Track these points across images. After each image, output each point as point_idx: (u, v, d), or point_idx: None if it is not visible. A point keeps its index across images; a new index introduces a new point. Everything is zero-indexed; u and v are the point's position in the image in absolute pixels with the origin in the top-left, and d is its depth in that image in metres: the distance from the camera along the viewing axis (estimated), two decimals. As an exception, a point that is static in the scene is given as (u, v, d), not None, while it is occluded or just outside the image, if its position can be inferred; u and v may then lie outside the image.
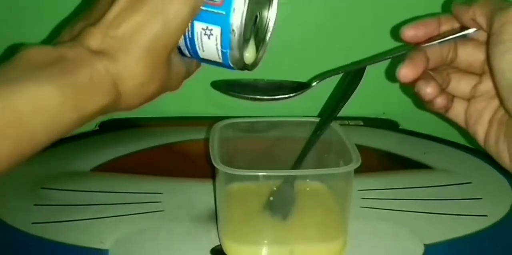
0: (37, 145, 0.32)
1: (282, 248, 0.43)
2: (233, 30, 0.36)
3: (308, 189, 0.48)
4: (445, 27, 0.41)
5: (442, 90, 0.41)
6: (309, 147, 0.47)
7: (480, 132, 0.42)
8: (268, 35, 0.43)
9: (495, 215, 0.47)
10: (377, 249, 0.43)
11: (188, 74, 0.42)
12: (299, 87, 0.45)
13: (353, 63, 0.46)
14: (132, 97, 0.36)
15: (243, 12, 0.36)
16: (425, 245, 0.43)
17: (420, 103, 0.67)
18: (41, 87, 0.30)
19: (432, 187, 0.52)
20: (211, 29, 0.37)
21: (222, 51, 0.38)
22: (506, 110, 0.37)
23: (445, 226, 0.46)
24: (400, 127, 0.68)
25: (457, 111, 0.43)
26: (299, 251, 0.42)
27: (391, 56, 0.42)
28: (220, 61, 0.39)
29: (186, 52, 0.39)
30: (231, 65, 0.40)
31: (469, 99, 0.42)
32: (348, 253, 0.43)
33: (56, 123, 0.32)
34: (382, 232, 0.45)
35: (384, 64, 0.66)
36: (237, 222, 0.44)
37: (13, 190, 0.51)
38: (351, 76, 0.51)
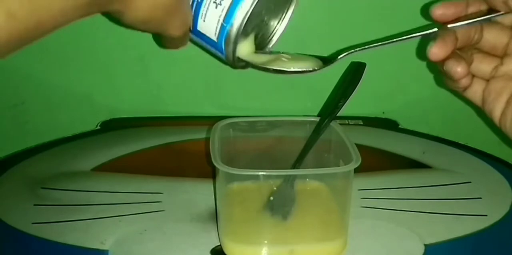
0: (51, 18, 0.30)
1: (282, 248, 0.43)
2: (241, 7, 0.36)
3: (308, 188, 0.48)
4: (472, 8, 0.42)
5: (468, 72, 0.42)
6: (309, 146, 0.47)
7: (496, 110, 0.43)
8: (270, 45, 0.43)
9: (495, 215, 0.47)
10: (377, 249, 0.43)
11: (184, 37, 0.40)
12: (324, 61, 0.44)
13: (379, 39, 0.44)
14: (142, 3, 0.35)
15: None
16: (425, 245, 0.43)
17: (423, 104, 0.68)
18: None
19: (432, 187, 0.52)
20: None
21: (222, 25, 0.37)
22: None
23: (445, 226, 0.46)
24: (399, 126, 0.68)
25: (475, 90, 0.44)
26: (299, 251, 0.42)
27: (420, 34, 0.42)
28: (215, 38, 0.38)
29: None
30: (223, 47, 0.39)
31: (489, 79, 0.43)
32: (348, 253, 0.43)
33: None
34: (382, 232, 0.45)
35: (385, 62, 0.66)
36: (237, 222, 0.44)
37: (13, 190, 0.51)
38: (351, 76, 0.51)
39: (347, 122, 0.67)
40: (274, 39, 0.42)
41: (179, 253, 0.42)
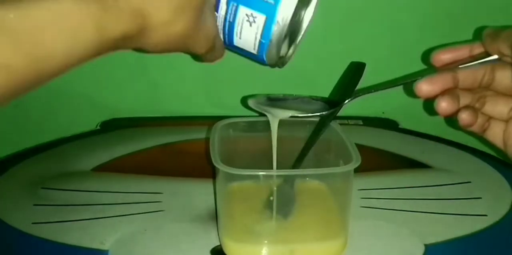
0: (55, 67, 0.29)
1: (282, 248, 0.43)
2: (278, 22, 0.35)
3: (308, 188, 0.48)
4: (477, 51, 0.40)
5: (466, 107, 0.40)
6: (309, 146, 0.47)
7: None
8: (300, 35, 0.42)
9: (495, 214, 0.47)
10: (377, 249, 0.43)
11: (216, 46, 0.40)
12: (330, 104, 0.44)
13: (385, 83, 0.44)
14: (156, 34, 0.34)
15: (293, 4, 0.35)
16: (425, 245, 0.43)
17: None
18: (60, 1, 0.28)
19: (432, 187, 0.52)
20: (255, 17, 0.36)
21: (260, 42, 0.37)
22: None
23: (445, 226, 0.46)
24: (399, 126, 0.68)
25: (495, 132, 0.42)
26: (299, 251, 0.42)
27: (415, 79, 0.40)
28: (255, 52, 0.38)
29: (221, 36, 0.38)
30: (264, 58, 0.38)
31: (507, 120, 0.41)
32: (348, 253, 0.43)
33: (76, 43, 0.29)
34: (382, 232, 0.45)
35: (385, 62, 0.66)
36: (237, 222, 0.44)
37: (13, 190, 0.51)
38: (351, 76, 0.51)
39: (347, 122, 0.67)
40: (304, 27, 0.42)
41: (179, 253, 0.42)
